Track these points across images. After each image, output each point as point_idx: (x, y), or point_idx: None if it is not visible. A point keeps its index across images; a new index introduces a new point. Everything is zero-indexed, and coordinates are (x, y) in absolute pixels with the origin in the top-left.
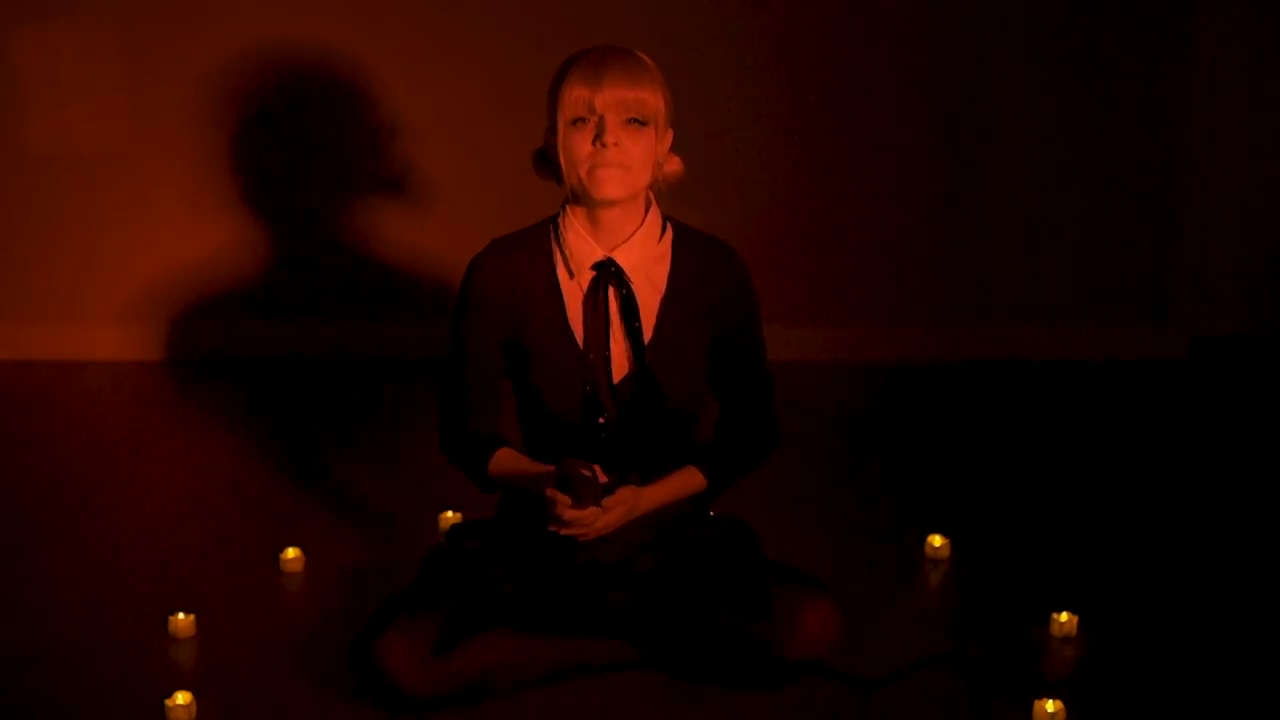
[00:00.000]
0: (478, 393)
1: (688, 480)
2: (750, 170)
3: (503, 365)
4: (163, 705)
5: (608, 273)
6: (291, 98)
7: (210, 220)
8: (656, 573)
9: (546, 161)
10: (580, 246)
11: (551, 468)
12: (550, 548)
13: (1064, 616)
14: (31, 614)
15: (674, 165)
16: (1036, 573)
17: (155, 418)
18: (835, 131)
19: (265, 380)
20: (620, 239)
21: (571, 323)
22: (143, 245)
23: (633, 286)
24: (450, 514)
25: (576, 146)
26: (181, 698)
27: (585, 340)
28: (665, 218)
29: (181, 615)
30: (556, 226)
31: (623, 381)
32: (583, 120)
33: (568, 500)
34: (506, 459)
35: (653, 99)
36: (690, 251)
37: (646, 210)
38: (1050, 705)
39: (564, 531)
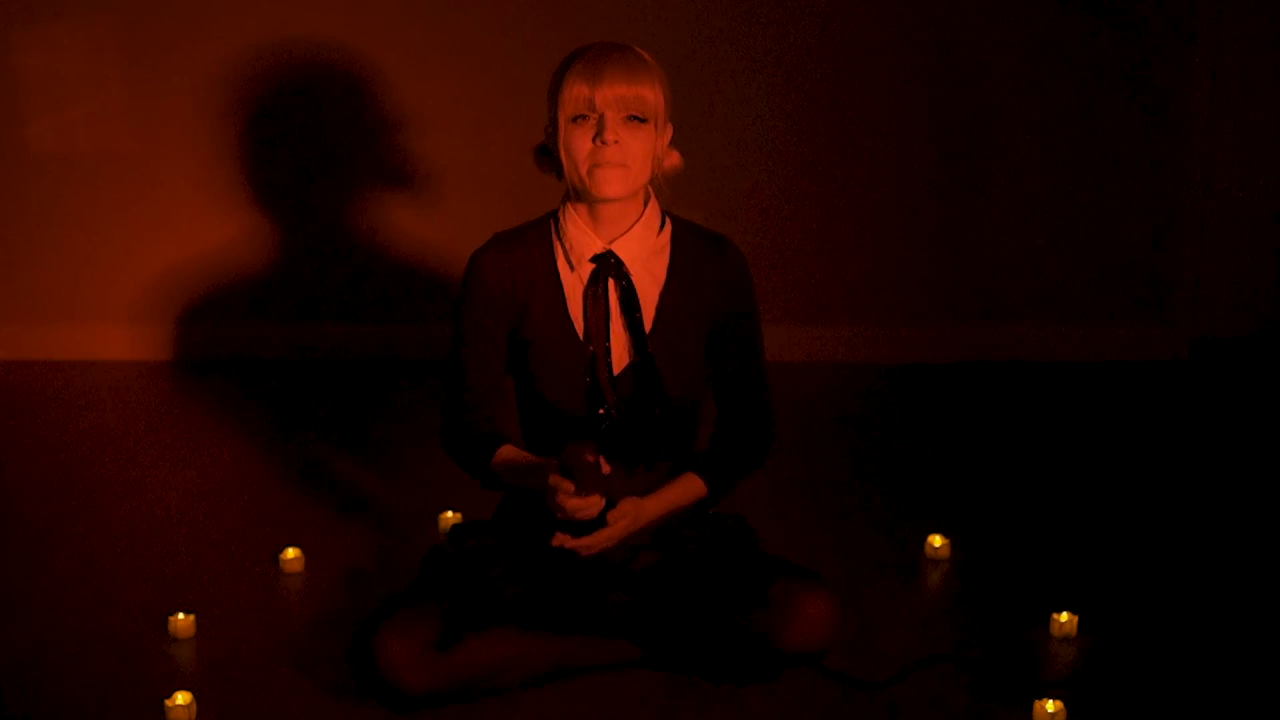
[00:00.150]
0: (480, 388)
1: (689, 488)
2: (750, 170)
3: (505, 359)
4: (163, 705)
5: (607, 265)
6: (292, 96)
7: (210, 220)
8: (656, 569)
9: (547, 156)
10: (580, 239)
11: (553, 460)
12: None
13: (1064, 616)
14: (31, 614)
15: (674, 159)
16: (1036, 573)
17: (156, 418)
18: (835, 131)
19: (265, 380)
20: (620, 231)
21: (572, 314)
22: (143, 245)
23: (632, 278)
24: (450, 514)
25: (577, 144)
26: (181, 698)
27: (585, 332)
28: (664, 212)
29: (181, 615)
30: (557, 220)
31: (623, 373)
32: (583, 118)
33: (570, 486)
34: (508, 454)
35: (652, 95)
36: (689, 244)
37: (645, 203)
38: (1050, 705)
39: (569, 545)
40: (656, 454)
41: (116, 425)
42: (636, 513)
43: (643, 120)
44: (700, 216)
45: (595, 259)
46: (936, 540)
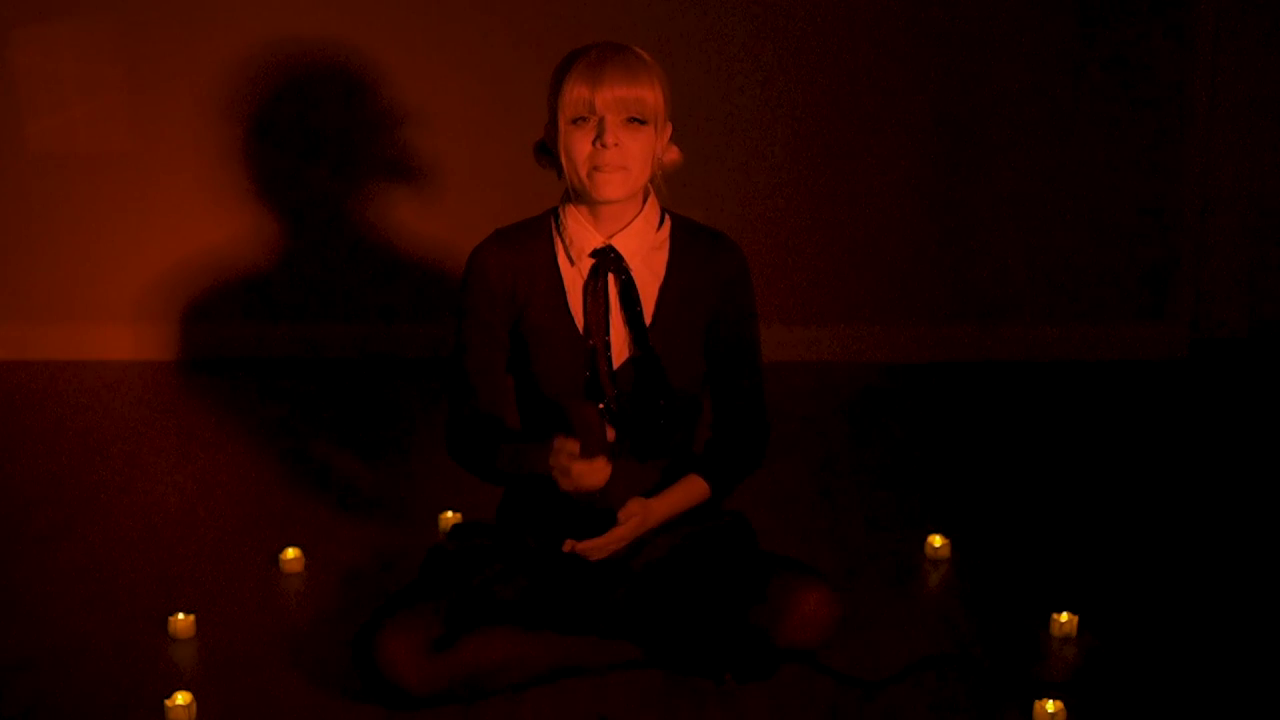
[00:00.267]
0: (484, 390)
1: (693, 489)
2: (750, 170)
3: (507, 353)
4: (163, 705)
5: (607, 259)
6: (293, 94)
7: (210, 219)
8: (655, 566)
9: (547, 154)
10: (580, 234)
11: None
12: (555, 549)
13: (1064, 617)
14: (31, 614)
15: (673, 155)
16: (1036, 573)
17: (155, 418)
18: (835, 131)
19: (265, 380)
20: (619, 227)
21: (572, 309)
22: (143, 245)
23: (632, 273)
24: (450, 514)
25: (577, 146)
26: (181, 698)
27: (585, 326)
28: (664, 209)
29: (181, 615)
30: (557, 215)
31: (622, 367)
32: (583, 120)
33: (575, 445)
34: (510, 447)
35: (652, 96)
36: (688, 240)
37: (645, 200)
38: (1050, 705)
39: (580, 549)
40: (656, 447)
41: (117, 425)
42: (645, 513)
43: (643, 122)
44: (700, 216)
45: (595, 254)
46: (936, 540)
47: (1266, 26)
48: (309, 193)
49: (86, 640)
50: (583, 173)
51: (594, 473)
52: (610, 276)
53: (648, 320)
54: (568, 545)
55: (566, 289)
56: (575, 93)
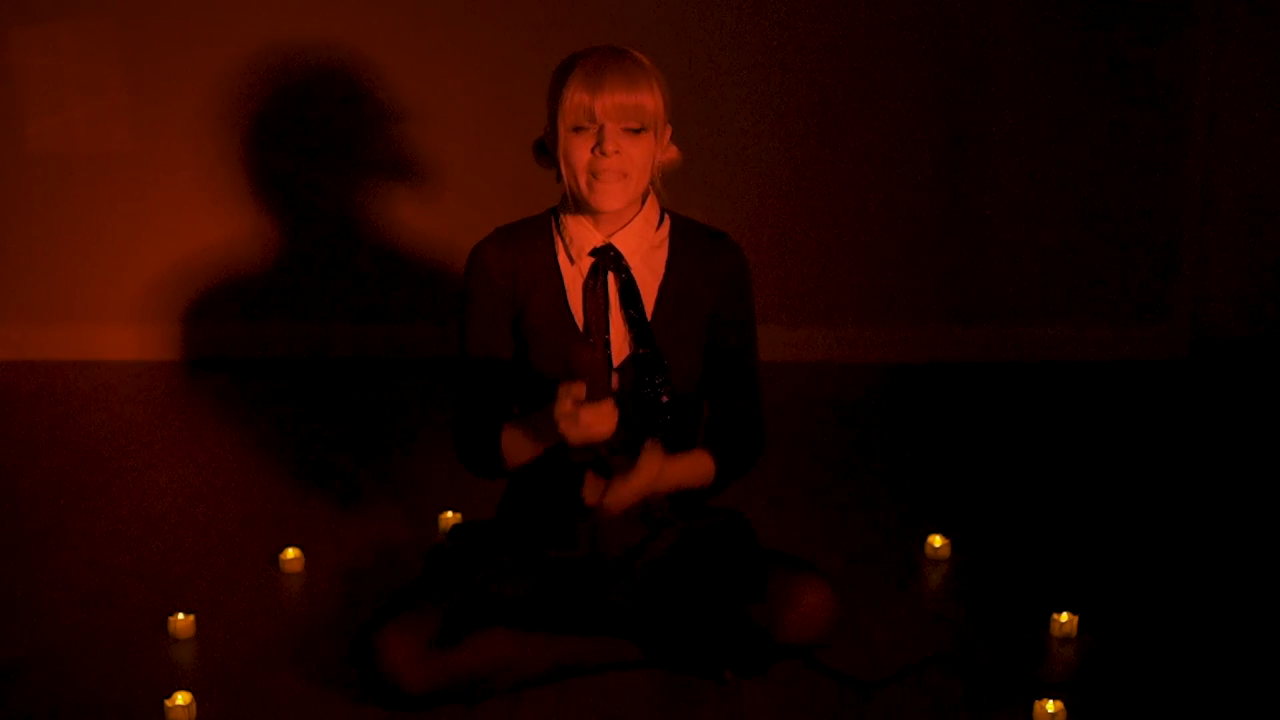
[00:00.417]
0: (489, 383)
1: (700, 463)
2: (750, 170)
3: (512, 349)
4: (163, 705)
5: (607, 258)
6: (294, 94)
7: (211, 219)
8: (654, 563)
9: (546, 152)
10: (580, 233)
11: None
12: (550, 546)
13: (1064, 617)
14: (31, 614)
15: (672, 154)
16: (1036, 573)
17: (156, 417)
18: (835, 131)
19: (266, 379)
20: (619, 226)
21: (572, 307)
22: (143, 245)
23: (632, 272)
24: (450, 514)
25: (576, 153)
26: (181, 698)
27: (585, 324)
28: (663, 208)
29: (181, 615)
30: (557, 214)
31: (622, 365)
32: (582, 128)
33: (581, 390)
34: (514, 425)
35: (652, 103)
36: (688, 239)
37: (644, 199)
38: (1050, 705)
39: (602, 500)
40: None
41: (117, 425)
42: (660, 468)
43: (643, 129)
44: (700, 215)
45: (595, 252)
46: (936, 540)
47: (1266, 26)
48: (309, 192)
49: (86, 640)
50: (582, 181)
51: (602, 418)
52: (610, 275)
53: (648, 319)
54: (591, 496)
55: (566, 287)
56: (575, 100)
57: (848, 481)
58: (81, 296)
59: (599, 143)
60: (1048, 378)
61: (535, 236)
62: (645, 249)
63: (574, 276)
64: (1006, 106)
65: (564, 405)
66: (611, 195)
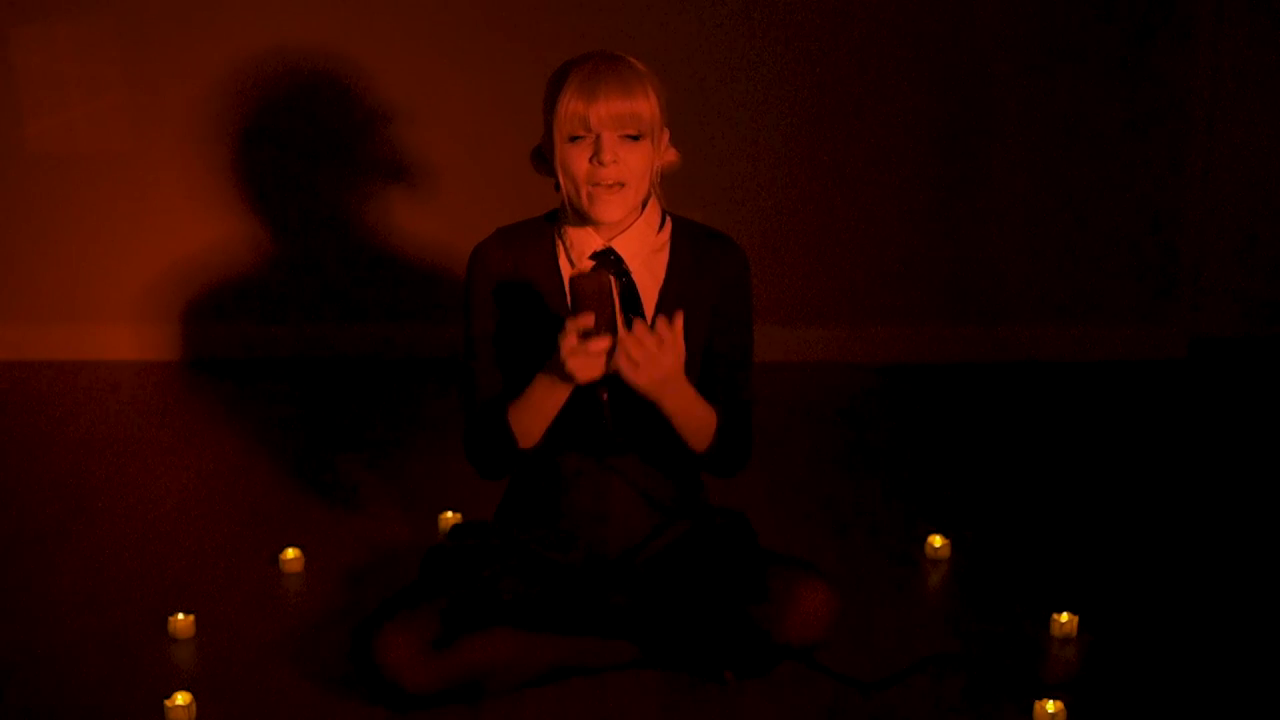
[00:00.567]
0: (496, 381)
1: (706, 407)
2: (750, 170)
3: (515, 348)
4: (163, 705)
5: (608, 261)
6: (293, 94)
7: (211, 219)
8: (655, 563)
9: (545, 161)
10: (580, 236)
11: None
12: (550, 546)
13: (1064, 617)
14: (31, 614)
15: (671, 156)
16: (1036, 573)
17: (155, 418)
18: (835, 131)
19: (266, 380)
20: (620, 230)
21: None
22: (142, 245)
23: (632, 275)
24: (450, 514)
25: (574, 163)
26: (181, 698)
27: None
28: (664, 211)
29: (181, 615)
30: (557, 217)
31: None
32: (579, 138)
33: (589, 319)
34: (517, 400)
35: (648, 109)
36: (690, 242)
37: (645, 202)
38: (1050, 705)
39: (594, 347)
40: (655, 449)
41: (117, 425)
42: (677, 352)
43: (640, 136)
44: (700, 216)
45: (595, 256)
46: (936, 540)
47: (1266, 26)
48: (309, 193)
49: (86, 640)
50: (583, 193)
51: (608, 347)
52: (611, 279)
53: (649, 322)
54: (612, 363)
55: (567, 290)
56: (570, 110)
57: (848, 481)
58: (81, 296)
59: (596, 152)
60: (1047, 378)
61: (535, 239)
62: (646, 252)
63: None
64: (1006, 106)
65: (569, 340)
66: (612, 207)
